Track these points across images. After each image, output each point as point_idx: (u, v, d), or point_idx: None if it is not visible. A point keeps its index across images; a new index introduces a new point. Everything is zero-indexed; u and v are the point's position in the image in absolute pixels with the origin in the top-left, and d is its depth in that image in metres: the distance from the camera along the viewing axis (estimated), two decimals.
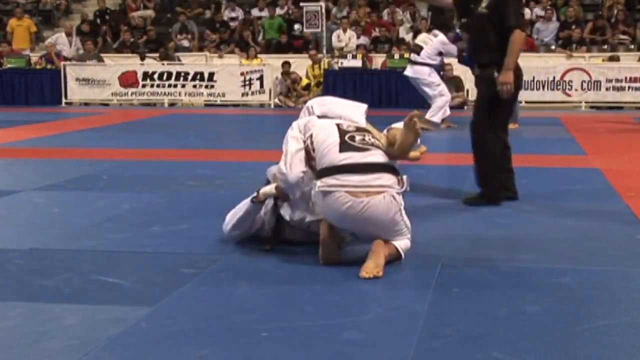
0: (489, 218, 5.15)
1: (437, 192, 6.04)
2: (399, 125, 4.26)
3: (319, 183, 3.92)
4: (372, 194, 3.85)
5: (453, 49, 10.68)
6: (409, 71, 10.85)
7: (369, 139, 4.06)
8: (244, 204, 4.39)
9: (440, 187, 6.25)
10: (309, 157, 4.07)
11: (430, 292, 3.53)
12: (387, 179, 3.92)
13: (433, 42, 10.59)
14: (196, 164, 7.50)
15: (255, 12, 17.99)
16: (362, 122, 4.29)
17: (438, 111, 10.55)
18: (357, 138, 4.03)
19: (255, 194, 4.33)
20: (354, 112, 4.39)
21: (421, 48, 10.65)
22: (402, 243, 4.01)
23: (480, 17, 5.48)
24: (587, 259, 4.14)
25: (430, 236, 4.57)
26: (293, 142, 4.15)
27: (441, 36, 10.70)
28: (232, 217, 4.42)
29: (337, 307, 3.35)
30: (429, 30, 11.38)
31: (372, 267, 3.78)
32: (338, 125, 4.11)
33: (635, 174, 6.94)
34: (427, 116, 10.43)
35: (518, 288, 3.62)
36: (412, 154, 4.30)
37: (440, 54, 10.65)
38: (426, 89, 10.67)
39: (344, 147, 3.97)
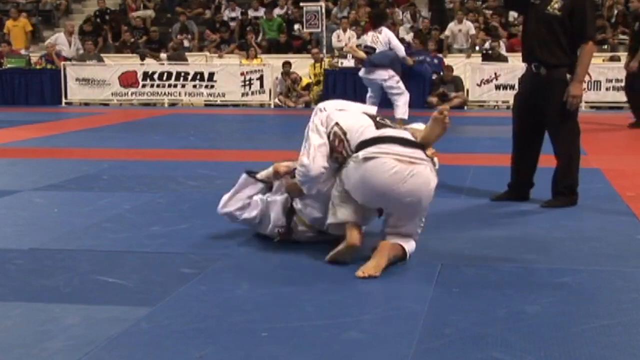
0: (489, 218, 5.15)
1: (437, 192, 6.02)
2: (416, 126, 4.24)
3: (360, 153, 3.85)
4: (415, 163, 3.84)
5: (400, 47, 10.46)
6: (365, 73, 10.55)
7: (398, 126, 4.13)
8: (239, 182, 4.44)
9: (440, 187, 6.23)
10: (337, 145, 3.98)
11: (430, 292, 3.53)
12: (423, 154, 3.92)
13: (381, 39, 10.33)
14: (196, 164, 7.50)
15: (254, 12, 18.00)
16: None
17: (403, 107, 10.43)
18: (388, 121, 4.10)
19: (252, 171, 4.39)
20: (363, 109, 4.40)
21: (374, 50, 10.40)
22: (409, 245, 4.00)
23: (550, 17, 5.24)
24: (587, 259, 4.14)
25: (430, 236, 4.57)
26: (316, 136, 4.04)
27: (386, 30, 10.48)
28: (227, 197, 4.45)
29: (337, 307, 3.35)
30: (374, 27, 10.79)
31: (371, 267, 3.78)
32: (364, 112, 4.15)
33: (635, 174, 6.94)
34: (397, 116, 10.35)
35: (518, 288, 3.62)
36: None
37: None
38: (388, 91, 10.48)
39: (379, 126, 3.99)
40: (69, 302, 3.44)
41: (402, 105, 10.45)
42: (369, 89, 10.69)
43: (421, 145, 3.94)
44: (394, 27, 16.49)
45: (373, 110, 4.43)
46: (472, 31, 15.77)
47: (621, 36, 15.89)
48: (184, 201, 5.64)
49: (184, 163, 7.66)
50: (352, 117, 4.09)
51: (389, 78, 10.36)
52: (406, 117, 10.42)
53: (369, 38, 10.58)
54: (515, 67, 13.60)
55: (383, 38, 10.37)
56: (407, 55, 10.86)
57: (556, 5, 5.25)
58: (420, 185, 3.84)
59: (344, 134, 3.98)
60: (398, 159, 3.82)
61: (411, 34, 16.31)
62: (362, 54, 10.62)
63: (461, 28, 15.82)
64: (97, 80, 15.22)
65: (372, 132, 3.94)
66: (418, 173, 3.83)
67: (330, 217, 4.05)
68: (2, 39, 17.15)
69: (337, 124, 4.03)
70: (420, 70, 13.79)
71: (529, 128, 5.47)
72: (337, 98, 4.80)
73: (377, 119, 4.07)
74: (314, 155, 4.00)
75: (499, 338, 2.98)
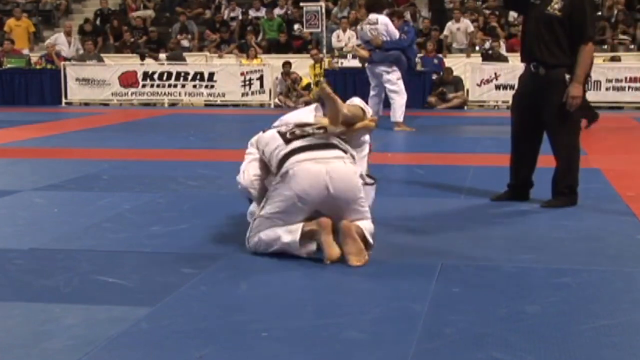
0: (489, 218, 5.15)
1: (437, 192, 6.04)
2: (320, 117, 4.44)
3: (280, 172, 4.02)
4: (330, 162, 4.01)
5: (394, 32, 10.36)
6: (369, 67, 10.62)
7: (309, 129, 4.22)
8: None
9: (440, 187, 6.25)
10: (268, 168, 4.26)
11: (430, 292, 3.53)
12: (338, 152, 4.10)
13: (380, 30, 10.29)
14: (196, 164, 7.50)
15: (254, 12, 18.00)
16: (310, 119, 4.42)
17: (399, 109, 10.45)
18: (297, 132, 4.22)
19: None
20: (302, 114, 4.55)
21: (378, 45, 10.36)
22: (368, 225, 4.06)
23: (550, 18, 5.24)
24: (587, 259, 4.14)
25: (430, 236, 4.57)
26: (248, 157, 4.43)
27: (380, 18, 10.37)
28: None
29: (337, 306, 3.35)
30: (368, 14, 10.72)
31: (356, 252, 3.84)
32: (278, 131, 4.29)
33: (635, 174, 6.94)
34: (393, 119, 10.38)
35: (518, 288, 3.62)
36: (360, 124, 4.38)
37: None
38: (386, 85, 10.50)
39: (288, 141, 4.15)
40: (69, 302, 3.44)
41: (398, 108, 10.44)
42: (371, 85, 10.70)
43: (335, 145, 4.13)
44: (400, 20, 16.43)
45: (311, 109, 4.57)
46: (471, 28, 15.76)
47: (621, 36, 15.90)
48: (184, 201, 5.64)
49: (184, 163, 7.66)
50: (270, 140, 4.27)
51: (391, 72, 10.37)
52: (401, 119, 10.43)
53: (367, 32, 10.53)
54: (515, 67, 13.58)
55: (381, 28, 10.34)
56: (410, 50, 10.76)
57: (556, 6, 5.25)
58: (344, 177, 3.99)
59: (269, 161, 4.22)
60: (314, 162, 3.98)
61: None
62: (364, 53, 10.63)
63: (459, 26, 15.82)
64: (97, 80, 15.21)
65: (283, 150, 4.10)
66: (337, 167, 3.99)
67: (287, 237, 4.03)
68: (2, 38, 17.15)
69: (263, 152, 4.30)
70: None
71: (528, 127, 5.47)
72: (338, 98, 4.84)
73: (287, 135, 4.20)
74: (243, 170, 4.37)
75: (499, 338, 2.98)
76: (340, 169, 4.01)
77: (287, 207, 4.00)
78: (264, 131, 4.46)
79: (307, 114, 4.52)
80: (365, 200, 4.12)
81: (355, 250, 3.86)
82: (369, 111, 4.51)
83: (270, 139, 4.28)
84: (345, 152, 4.15)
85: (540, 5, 5.30)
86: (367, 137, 4.54)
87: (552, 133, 5.43)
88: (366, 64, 10.75)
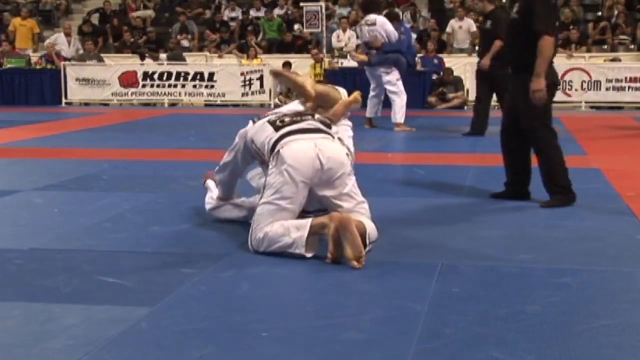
0: (489, 218, 5.15)
1: (437, 192, 6.04)
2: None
3: (272, 155, 4.14)
4: (318, 139, 4.19)
5: (393, 33, 10.34)
6: (369, 68, 10.66)
7: (299, 117, 4.38)
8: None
9: (440, 187, 6.25)
10: (258, 155, 4.34)
11: (430, 292, 3.53)
12: (325, 135, 4.26)
13: (378, 30, 10.29)
14: (196, 164, 7.49)
15: (254, 12, 18.00)
16: (299, 108, 4.64)
17: (399, 110, 10.45)
18: (287, 119, 4.34)
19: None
20: (291, 106, 4.77)
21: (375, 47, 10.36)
22: (369, 226, 4.11)
23: (513, 22, 5.49)
24: (587, 259, 4.14)
25: (430, 236, 4.57)
26: (226, 159, 4.66)
27: (379, 19, 10.36)
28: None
29: (337, 307, 3.35)
30: (364, 14, 10.70)
31: (356, 254, 3.84)
32: (268, 120, 4.38)
33: (635, 174, 6.94)
34: (394, 120, 10.40)
35: (518, 288, 3.62)
36: (349, 98, 4.65)
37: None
38: (386, 86, 10.53)
39: (278, 128, 4.27)
40: (69, 302, 3.44)
41: (399, 109, 10.44)
42: (371, 86, 10.71)
43: (322, 130, 4.29)
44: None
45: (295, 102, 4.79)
46: (473, 28, 15.77)
47: (621, 36, 15.90)
48: (184, 201, 5.63)
49: (184, 163, 7.66)
50: (260, 130, 4.35)
51: (391, 72, 10.41)
52: (402, 120, 10.43)
53: (365, 34, 10.53)
54: None
55: (380, 30, 10.34)
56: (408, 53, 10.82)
57: (515, 9, 5.48)
58: (334, 153, 4.15)
59: (260, 149, 4.30)
60: (303, 140, 4.14)
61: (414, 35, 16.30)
62: (363, 57, 10.66)
63: (462, 25, 15.84)
64: (97, 80, 15.21)
65: (274, 137, 4.21)
66: (323, 143, 4.17)
67: (295, 233, 4.05)
68: (2, 39, 17.14)
69: (252, 141, 4.37)
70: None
71: (514, 125, 5.55)
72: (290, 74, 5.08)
73: (277, 122, 4.31)
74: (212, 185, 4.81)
75: (499, 338, 2.98)
76: (329, 143, 4.20)
77: (283, 183, 4.07)
78: (254, 122, 4.50)
79: (294, 104, 4.73)
80: (356, 187, 4.24)
81: (355, 251, 3.85)
82: (343, 91, 4.72)
83: (260, 129, 4.35)
84: (332, 136, 4.31)
85: (510, 11, 5.54)
86: (348, 121, 4.73)
87: (528, 133, 5.48)
88: (365, 66, 10.76)
